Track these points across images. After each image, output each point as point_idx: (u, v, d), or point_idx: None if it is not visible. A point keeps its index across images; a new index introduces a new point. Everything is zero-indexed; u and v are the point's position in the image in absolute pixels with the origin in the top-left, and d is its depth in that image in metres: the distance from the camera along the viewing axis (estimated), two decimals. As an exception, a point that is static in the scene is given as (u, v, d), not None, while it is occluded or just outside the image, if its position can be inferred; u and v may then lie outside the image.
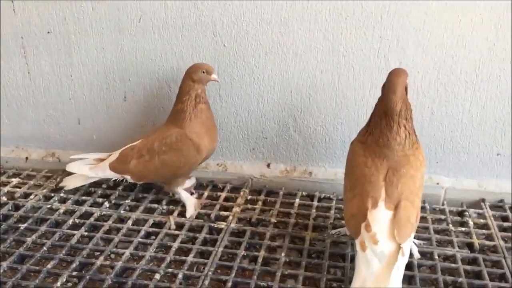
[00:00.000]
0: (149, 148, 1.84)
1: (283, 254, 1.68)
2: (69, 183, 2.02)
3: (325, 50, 1.92)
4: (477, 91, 1.88)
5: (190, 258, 1.66)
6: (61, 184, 2.04)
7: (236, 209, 1.94)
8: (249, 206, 1.97)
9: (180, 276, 1.57)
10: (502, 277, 1.59)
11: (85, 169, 1.93)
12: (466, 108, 1.91)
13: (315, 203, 1.99)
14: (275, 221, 1.87)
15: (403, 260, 1.36)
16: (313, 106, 2.01)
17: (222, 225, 1.84)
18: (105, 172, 1.91)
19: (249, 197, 2.03)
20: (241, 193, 2.05)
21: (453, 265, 1.64)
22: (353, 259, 1.67)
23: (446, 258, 1.71)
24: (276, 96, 2.02)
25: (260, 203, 1.99)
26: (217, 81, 1.89)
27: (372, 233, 1.38)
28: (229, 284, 1.54)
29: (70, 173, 2.00)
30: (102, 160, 1.95)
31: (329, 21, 1.87)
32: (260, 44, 1.95)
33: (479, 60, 1.84)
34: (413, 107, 1.87)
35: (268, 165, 2.14)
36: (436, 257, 1.67)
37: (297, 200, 2.00)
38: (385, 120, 1.51)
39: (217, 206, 1.96)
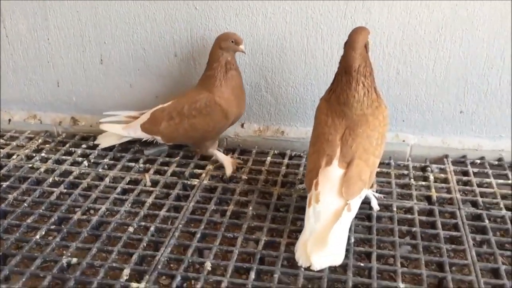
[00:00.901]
0: (179, 111, 1.91)
1: (251, 208, 1.78)
2: (103, 142, 2.11)
3: (293, 12, 1.96)
4: (441, 51, 1.94)
5: (162, 213, 1.76)
6: (95, 142, 2.14)
7: (209, 167, 2.03)
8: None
9: (152, 228, 1.67)
10: (455, 227, 1.69)
11: (118, 129, 2.02)
12: (430, 67, 1.98)
13: (285, 160, 2.08)
14: (246, 177, 1.96)
15: (348, 216, 1.49)
16: (283, 67, 2.07)
17: (195, 182, 1.94)
18: (136, 132, 2.00)
19: (222, 155, 2.12)
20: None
21: (409, 216, 1.74)
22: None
23: (406, 210, 1.81)
24: (247, 58, 2.07)
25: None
26: (244, 53, 1.93)
27: (317, 192, 1.48)
28: (198, 235, 1.64)
29: (103, 131, 2.12)
30: (134, 118, 2.04)
31: (297, -17, 1.91)
32: (230, 7, 1.99)
33: (442, 20, 1.89)
34: (379, 67, 1.96)
35: (242, 125, 2.22)
36: (395, 209, 1.77)
37: (269, 158, 2.09)
38: (345, 77, 1.59)
39: (192, 164, 2.05)
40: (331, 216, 1.46)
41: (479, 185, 1.90)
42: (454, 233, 1.65)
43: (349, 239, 1.61)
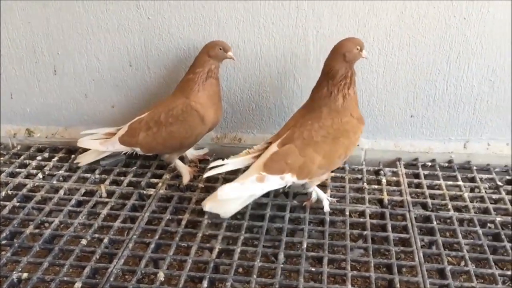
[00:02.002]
0: (156, 120, 1.90)
1: (206, 217, 1.79)
2: (83, 160, 2.08)
3: (246, 21, 1.99)
4: (389, 57, 1.99)
5: (117, 224, 1.75)
6: (75, 162, 2.10)
7: (166, 176, 2.03)
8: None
9: (106, 240, 1.67)
10: (405, 229, 1.74)
11: (96, 144, 2.00)
12: (380, 73, 2.03)
13: (242, 168, 2.09)
14: (203, 186, 1.97)
15: (254, 184, 1.62)
16: (238, 75, 2.09)
17: (151, 191, 1.94)
18: (115, 146, 1.98)
19: (180, 164, 2.12)
20: (173, 160, 2.14)
21: (362, 219, 1.78)
22: (272, 218, 1.80)
23: (358, 213, 1.85)
24: (202, 67, 2.09)
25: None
26: (233, 59, 1.92)
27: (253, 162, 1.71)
28: (152, 245, 1.65)
29: (84, 150, 2.09)
30: (112, 134, 2.01)
31: (248, -7, 1.94)
32: (183, 16, 2.00)
33: (390, 28, 1.94)
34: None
35: (200, 133, 2.23)
36: (348, 213, 1.81)
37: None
38: (320, 78, 1.75)
39: (148, 174, 2.05)
40: (243, 179, 1.64)
41: (429, 187, 1.96)
42: (403, 235, 1.70)
43: (301, 244, 1.64)
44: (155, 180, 2.00)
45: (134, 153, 2.03)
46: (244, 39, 2.02)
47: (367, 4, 1.91)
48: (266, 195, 1.90)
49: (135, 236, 1.69)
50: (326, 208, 1.80)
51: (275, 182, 1.64)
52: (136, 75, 2.13)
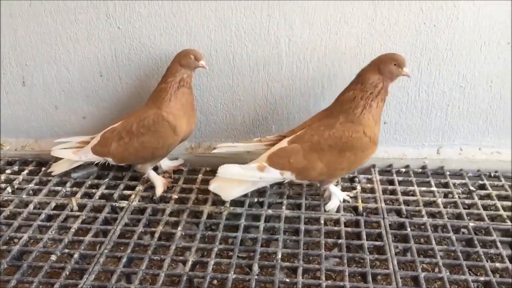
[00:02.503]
0: (128, 130, 1.88)
1: (179, 228, 1.77)
2: (56, 169, 2.04)
3: (218, 30, 1.97)
4: (362, 65, 1.97)
5: (88, 238, 1.71)
6: (49, 170, 2.06)
7: (139, 188, 2.00)
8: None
9: (76, 255, 1.63)
10: (379, 236, 1.74)
11: (69, 154, 1.98)
12: (353, 81, 2.03)
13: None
14: (177, 197, 1.95)
15: (254, 172, 1.72)
16: (211, 84, 2.08)
17: (124, 204, 1.90)
18: (87, 156, 1.95)
19: (154, 175, 2.09)
20: (146, 171, 2.10)
21: (336, 228, 1.78)
22: (246, 228, 1.79)
23: (333, 222, 1.84)
24: (175, 76, 2.07)
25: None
26: (205, 68, 1.89)
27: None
28: (124, 260, 1.62)
29: (58, 159, 2.05)
30: (86, 143, 1.99)
31: (219, 1, 1.92)
32: (154, 26, 1.98)
33: (361, 35, 1.95)
34: (305, 83, 1.99)
35: (174, 143, 2.20)
36: (322, 221, 1.80)
37: (200, 176, 2.08)
38: (352, 81, 1.77)
39: (121, 186, 2.01)
40: (248, 166, 1.75)
41: (404, 193, 1.96)
42: (378, 243, 1.70)
43: (276, 254, 1.63)
44: (128, 192, 1.97)
45: (107, 163, 2.00)
46: (216, 48, 2.01)
47: (338, 12, 1.91)
48: (241, 205, 1.90)
49: (106, 251, 1.66)
50: (328, 207, 1.84)
51: (274, 176, 1.73)
52: (108, 85, 2.10)
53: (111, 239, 1.71)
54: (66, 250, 1.66)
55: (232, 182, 1.77)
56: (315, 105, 2.07)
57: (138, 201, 1.93)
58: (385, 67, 1.69)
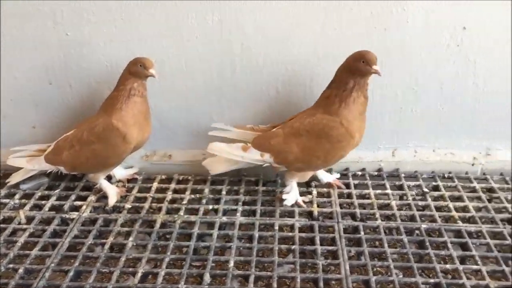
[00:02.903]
0: (79, 138, 1.84)
1: (131, 239, 1.73)
2: (13, 178, 1.99)
3: (169, 36, 1.95)
4: (315, 68, 2.00)
5: (35, 252, 1.66)
6: (7, 180, 2.01)
7: (91, 198, 1.95)
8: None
9: (21, 270, 1.58)
10: (333, 241, 1.73)
11: (24, 162, 1.94)
12: (307, 84, 2.03)
13: (172, 185, 2.04)
14: (130, 206, 1.91)
15: (237, 151, 1.86)
16: (164, 91, 2.05)
17: (74, 215, 1.86)
18: (41, 164, 1.92)
19: (107, 184, 2.05)
20: (100, 181, 2.06)
21: (290, 234, 1.76)
22: (200, 237, 1.76)
23: (288, 228, 1.83)
24: (126, 83, 2.03)
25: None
26: (154, 77, 1.82)
27: None
28: (71, 273, 1.57)
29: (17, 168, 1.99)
30: (42, 151, 1.95)
31: (169, 7, 1.90)
32: (103, 32, 1.94)
33: (313, 39, 1.94)
34: (260, 87, 1.98)
35: (128, 151, 2.16)
36: (277, 227, 1.78)
37: (155, 184, 2.05)
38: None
39: (73, 196, 1.96)
40: (234, 145, 1.89)
41: (359, 196, 1.97)
42: (331, 248, 1.69)
43: (228, 262, 1.61)
44: (80, 203, 1.92)
45: (59, 173, 1.95)
46: (168, 54, 1.98)
47: (290, 16, 1.90)
48: (195, 212, 1.87)
49: (53, 264, 1.61)
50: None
51: (254, 156, 1.84)
52: (57, 93, 2.05)
53: (59, 252, 1.66)
54: (11, 265, 1.61)
55: (219, 159, 1.94)
56: (270, 109, 2.06)
57: (90, 212, 1.88)
58: (353, 65, 1.71)
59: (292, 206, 1.90)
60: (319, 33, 1.93)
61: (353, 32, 1.92)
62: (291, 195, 1.90)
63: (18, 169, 1.99)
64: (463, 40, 1.92)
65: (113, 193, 1.93)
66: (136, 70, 1.80)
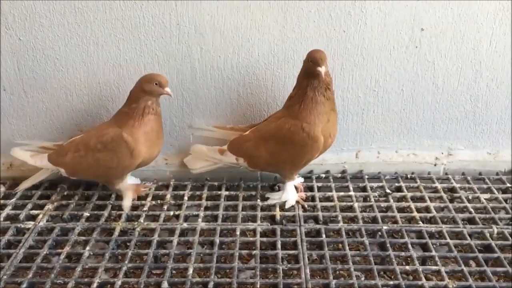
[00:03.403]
0: (86, 143, 1.80)
1: (88, 248, 1.68)
2: (22, 185, 1.97)
3: (126, 39, 1.91)
4: (276, 71, 1.98)
5: (-14, 264, 1.61)
6: (16, 189, 1.98)
7: (49, 206, 1.90)
8: (64, 202, 1.94)
9: (-29, 284, 1.52)
10: (294, 245, 1.72)
11: (27, 156, 1.91)
12: (268, 87, 2.01)
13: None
14: (88, 214, 1.86)
15: (214, 153, 1.94)
16: (123, 96, 1.97)
17: (30, 224, 1.80)
18: (43, 162, 1.89)
19: (66, 192, 2.00)
20: (58, 189, 2.00)
21: (251, 238, 1.74)
22: (160, 244, 1.73)
23: (251, 232, 1.81)
24: (84, 88, 1.99)
25: (77, 197, 1.96)
26: (170, 95, 1.78)
27: None
28: (24, 285, 1.52)
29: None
30: (47, 148, 1.92)
31: (125, 10, 1.86)
32: (58, 36, 1.89)
33: (273, 42, 1.93)
34: (221, 91, 1.97)
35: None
36: (238, 232, 1.76)
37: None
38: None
39: (29, 205, 1.91)
40: (213, 148, 1.96)
41: (322, 199, 1.96)
42: (293, 252, 1.67)
43: (187, 270, 1.58)
44: (36, 212, 1.87)
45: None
46: (126, 58, 1.94)
47: (248, 19, 1.89)
48: (156, 219, 1.84)
49: (5, 276, 1.55)
50: (287, 205, 1.88)
51: (231, 160, 1.89)
52: (12, 100, 1.99)
53: (12, 263, 1.61)
54: (-40, 279, 1.55)
55: (200, 159, 2.00)
56: (232, 113, 2.04)
57: (46, 221, 1.83)
58: (305, 65, 1.75)
59: (253, 210, 1.89)
60: (278, 36, 1.92)
61: (313, 34, 1.92)
62: (290, 195, 1.91)
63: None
64: (421, 42, 1.93)
65: (129, 193, 1.91)
66: (151, 88, 1.74)
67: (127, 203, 1.88)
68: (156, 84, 1.74)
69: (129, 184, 1.94)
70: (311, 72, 1.71)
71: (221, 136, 1.97)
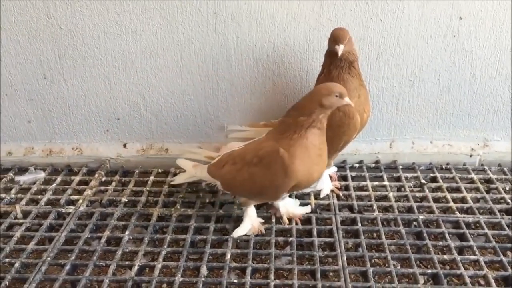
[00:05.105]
0: (243, 156, 1.63)
1: (127, 233, 1.72)
2: (177, 178, 1.93)
3: (163, 28, 1.93)
4: (311, 61, 1.99)
5: (31, 246, 1.65)
6: (171, 180, 1.99)
7: (88, 192, 1.94)
8: (103, 188, 1.98)
9: (17, 265, 1.57)
10: (330, 233, 1.73)
11: (189, 166, 1.84)
12: (303, 77, 2.02)
13: (169, 179, 2.03)
14: (126, 200, 1.90)
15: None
16: (160, 84, 2.04)
17: (71, 209, 1.85)
18: (202, 173, 1.77)
19: (103, 178, 2.04)
20: (96, 175, 2.05)
21: (287, 226, 1.75)
22: (197, 230, 1.76)
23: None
24: (122, 76, 2.02)
25: (114, 183, 2.00)
26: (351, 105, 1.59)
27: None
28: (68, 267, 1.56)
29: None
30: (211, 158, 1.82)
31: (164, 0, 1.88)
32: (98, 25, 1.93)
33: (309, 31, 1.93)
34: (255, 80, 1.98)
35: (125, 145, 2.16)
36: (274, 220, 1.77)
37: (152, 178, 2.04)
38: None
39: (69, 191, 1.95)
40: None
41: (356, 188, 1.96)
42: (329, 239, 1.68)
43: (225, 255, 1.60)
44: (76, 197, 1.91)
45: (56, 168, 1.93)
46: (163, 47, 1.97)
47: (284, 8, 1.89)
48: (192, 206, 1.87)
49: (49, 258, 1.60)
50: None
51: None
52: (52, 87, 2.04)
53: (55, 246, 1.65)
54: (7, 260, 1.60)
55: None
56: (266, 102, 2.05)
57: (86, 206, 1.87)
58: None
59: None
60: (314, 25, 1.92)
61: (349, 23, 1.91)
62: (325, 184, 1.90)
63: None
64: (460, 31, 1.91)
65: (247, 226, 1.73)
66: (331, 102, 1.51)
67: (240, 232, 1.72)
68: (336, 96, 1.52)
69: (253, 218, 1.76)
70: (331, 50, 1.70)
71: (255, 134, 1.86)
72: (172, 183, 1.95)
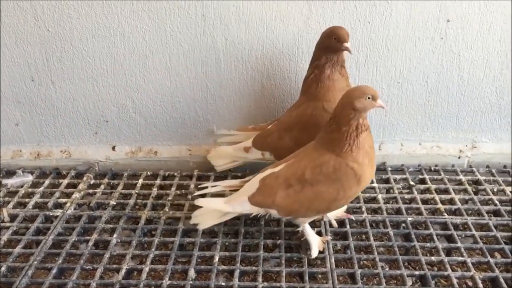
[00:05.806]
0: (299, 177, 1.56)
1: (115, 236, 1.71)
2: (202, 222, 1.71)
3: (152, 31, 1.93)
4: (300, 63, 1.99)
5: (17, 250, 1.64)
6: (191, 222, 1.74)
7: (76, 195, 1.93)
8: (91, 191, 1.97)
9: (3, 269, 1.56)
10: (319, 235, 1.72)
11: (220, 204, 1.65)
12: (292, 79, 2.02)
13: (158, 181, 2.03)
14: (115, 203, 1.89)
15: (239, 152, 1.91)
16: (149, 87, 2.03)
17: (58, 212, 1.84)
18: (244, 207, 1.62)
19: (92, 181, 2.03)
20: (84, 178, 2.04)
21: (276, 228, 1.75)
22: (186, 233, 1.75)
23: (275, 222, 1.82)
24: (110, 79, 2.01)
25: (102, 186, 1.99)
26: (383, 107, 1.57)
27: None
28: (54, 271, 1.55)
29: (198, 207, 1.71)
30: (234, 188, 1.73)
31: (151, 1, 1.88)
32: (85, 27, 1.92)
33: (298, 33, 1.93)
34: (244, 83, 1.97)
35: (113, 148, 2.15)
36: (262, 222, 1.77)
37: (141, 180, 2.03)
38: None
39: (57, 194, 1.94)
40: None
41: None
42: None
43: (213, 258, 1.60)
44: (64, 200, 1.90)
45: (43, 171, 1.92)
46: (151, 49, 1.96)
47: (273, 10, 1.89)
48: (181, 208, 1.86)
49: (36, 262, 1.59)
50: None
51: (256, 156, 1.89)
52: (40, 90, 2.02)
53: (42, 250, 1.64)
54: (-8, 264, 1.59)
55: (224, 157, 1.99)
56: (256, 104, 2.05)
57: (74, 209, 1.86)
58: (325, 41, 1.73)
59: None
60: (303, 27, 1.92)
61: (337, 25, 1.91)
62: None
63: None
64: (447, 33, 1.92)
65: (315, 243, 1.66)
66: (364, 104, 1.48)
67: (316, 251, 1.64)
68: (368, 98, 1.49)
69: (314, 235, 1.69)
70: (332, 48, 1.71)
71: (244, 138, 1.95)
72: (199, 228, 1.72)
